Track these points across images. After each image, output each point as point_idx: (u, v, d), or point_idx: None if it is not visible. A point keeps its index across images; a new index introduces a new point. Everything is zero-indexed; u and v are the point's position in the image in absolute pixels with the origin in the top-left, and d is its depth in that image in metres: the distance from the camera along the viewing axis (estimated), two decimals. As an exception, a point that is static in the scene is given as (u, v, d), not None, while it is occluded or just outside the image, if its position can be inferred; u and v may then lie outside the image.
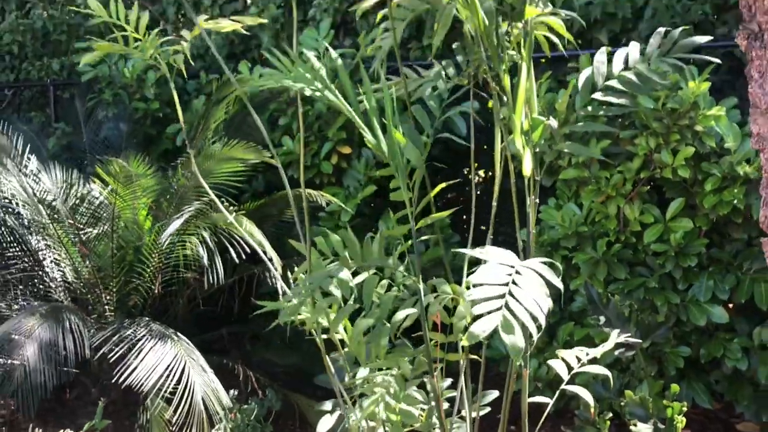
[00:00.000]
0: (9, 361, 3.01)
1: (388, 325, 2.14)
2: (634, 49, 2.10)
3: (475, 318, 1.78)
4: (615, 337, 2.38)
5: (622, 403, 2.59)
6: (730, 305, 3.34)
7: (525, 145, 2.03)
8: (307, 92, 2.02)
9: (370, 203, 4.22)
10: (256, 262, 3.58)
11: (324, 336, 2.50)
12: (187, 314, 3.91)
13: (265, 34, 5.36)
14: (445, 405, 2.81)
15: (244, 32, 5.43)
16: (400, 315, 2.14)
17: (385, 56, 2.28)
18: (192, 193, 3.55)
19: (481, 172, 5.10)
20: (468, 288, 2.10)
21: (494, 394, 2.69)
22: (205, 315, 3.95)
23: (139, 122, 4.92)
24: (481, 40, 2.01)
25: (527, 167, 2.07)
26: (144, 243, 3.61)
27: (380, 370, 2.47)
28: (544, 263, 1.94)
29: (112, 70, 5.17)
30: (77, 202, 3.70)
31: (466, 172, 5.45)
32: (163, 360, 3.00)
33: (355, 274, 2.28)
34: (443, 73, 2.25)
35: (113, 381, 3.06)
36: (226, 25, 2.56)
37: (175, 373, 2.99)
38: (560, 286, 1.90)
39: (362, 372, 2.89)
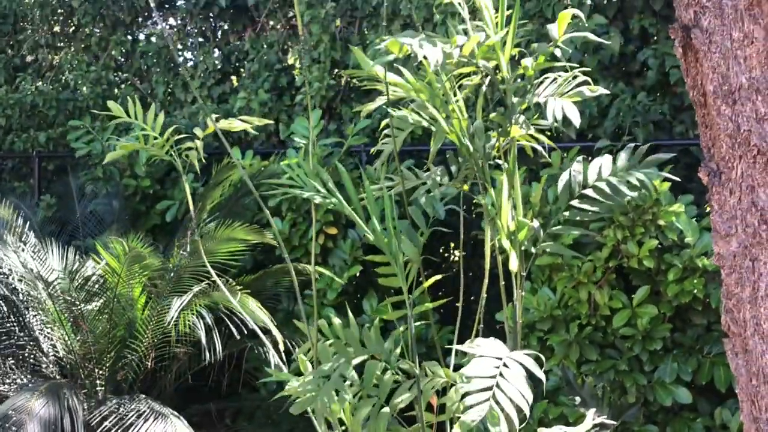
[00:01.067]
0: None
1: (388, 409, 2.32)
2: (606, 161, 2.39)
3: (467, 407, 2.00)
4: (591, 417, 2.59)
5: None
6: (693, 386, 3.58)
7: (512, 245, 2.28)
8: (317, 200, 2.26)
9: (353, 282, 4.42)
10: (249, 337, 3.72)
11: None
12: (174, 389, 4.00)
13: (254, 115, 5.63)
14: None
15: (233, 112, 5.68)
16: (398, 399, 2.32)
17: (385, 159, 2.53)
18: (188, 271, 3.71)
19: (457, 252, 5.36)
20: (457, 371, 2.32)
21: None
22: (193, 389, 4.05)
23: (129, 198, 5.09)
24: (470, 155, 2.28)
25: (513, 264, 2.31)
26: (138, 319, 3.74)
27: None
28: (529, 354, 2.17)
29: (104, 147, 5.36)
30: (73, 277, 3.82)
31: (441, 251, 5.72)
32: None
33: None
34: (438, 178, 2.51)
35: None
36: (238, 126, 2.79)
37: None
38: (542, 377, 2.13)
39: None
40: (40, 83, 6.91)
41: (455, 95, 2.24)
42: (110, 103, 2.75)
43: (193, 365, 3.92)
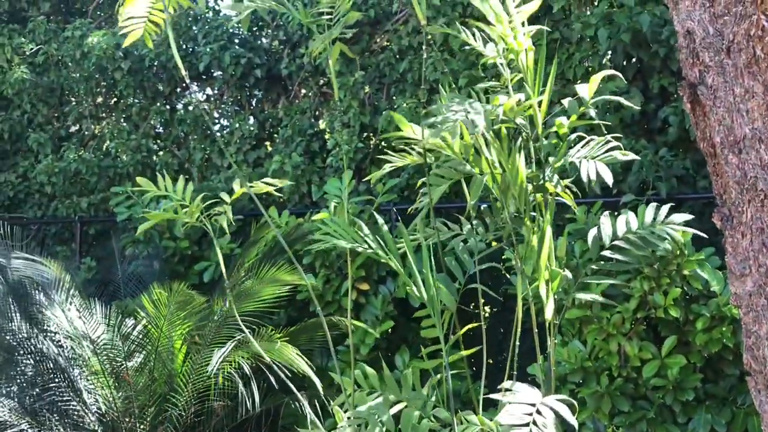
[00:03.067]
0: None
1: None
2: (632, 217, 2.51)
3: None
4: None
5: None
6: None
7: (548, 294, 2.38)
8: (357, 248, 2.40)
9: (385, 337, 4.51)
10: (286, 392, 3.81)
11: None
12: (213, 445, 4.09)
13: (288, 178, 5.85)
14: None
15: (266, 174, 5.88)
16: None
17: (424, 215, 2.67)
18: (228, 321, 3.84)
19: (487, 308, 5.43)
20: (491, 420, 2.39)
21: None
22: (230, 445, 4.13)
23: (168, 260, 5.28)
24: (505, 206, 2.41)
25: (549, 312, 2.41)
26: (178, 372, 3.86)
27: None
28: (561, 400, 2.24)
29: (144, 210, 5.58)
30: (116, 333, 3.97)
31: (472, 306, 5.79)
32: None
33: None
34: (474, 230, 2.64)
35: None
36: (262, 187, 2.94)
37: None
38: (575, 423, 2.20)
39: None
40: (83, 152, 7.25)
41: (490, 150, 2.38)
42: (140, 179, 2.90)
43: (230, 421, 4.01)
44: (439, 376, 2.59)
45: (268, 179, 3.06)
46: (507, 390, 2.27)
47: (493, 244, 2.77)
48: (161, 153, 7.24)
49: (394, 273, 4.46)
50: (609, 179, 2.33)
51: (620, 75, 2.65)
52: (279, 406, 3.98)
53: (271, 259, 4.37)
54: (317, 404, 3.30)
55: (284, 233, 4.65)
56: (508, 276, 4.49)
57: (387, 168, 2.70)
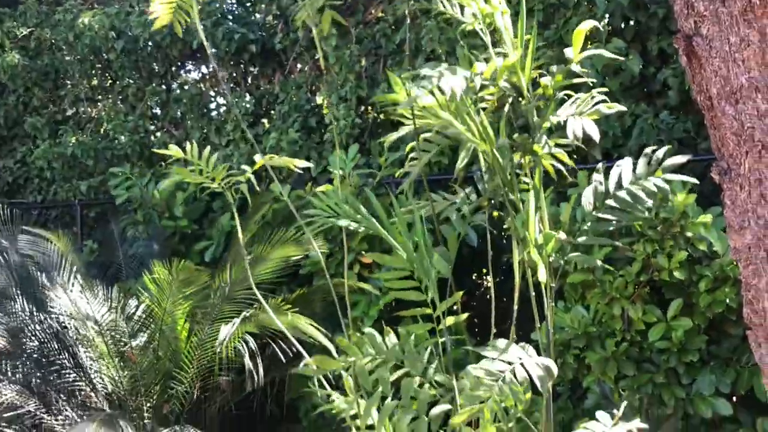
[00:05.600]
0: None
1: (426, 418, 2.39)
2: (626, 166, 2.47)
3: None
4: (626, 425, 2.62)
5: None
6: (732, 397, 3.57)
7: (539, 256, 2.36)
8: (352, 226, 2.39)
9: (388, 310, 4.51)
10: (292, 361, 3.80)
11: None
12: (219, 419, 4.11)
13: (284, 154, 5.82)
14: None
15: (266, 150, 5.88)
16: (436, 410, 2.39)
17: (412, 181, 2.65)
18: (232, 295, 3.83)
19: (488, 277, 5.43)
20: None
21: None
22: (237, 419, 4.15)
23: (168, 240, 5.28)
24: (497, 171, 2.38)
25: (542, 275, 2.39)
26: (182, 350, 3.87)
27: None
28: (544, 364, 2.21)
29: (143, 192, 5.57)
30: (119, 314, 3.98)
31: (474, 277, 5.79)
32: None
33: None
34: (466, 197, 2.62)
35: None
36: (282, 162, 2.93)
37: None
38: (543, 390, 2.18)
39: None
40: (81, 135, 7.22)
41: (479, 115, 2.36)
42: (171, 147, 2.89)
43: (236, 395, 4.02)
44: (435, 340, 2.59)
45: (286, 158, 3.05)
46: (496, 348, 2.26)
47: (494, 214, 2.75)
48: (158, 133, 7.21)
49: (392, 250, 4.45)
50: (595, 135, 2.28)
51: (598, 24, 2.57)
52: (284, 379, 3.99)
53: (271, 232, 4.36)
54: (330, 376, 3.32)
55: (284, 205, 4.63)
56: (510, 244, 4.46)
57: (399, 133, 2.65)
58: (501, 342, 2.32)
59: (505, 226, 4.58)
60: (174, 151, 2.78)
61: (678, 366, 3.51)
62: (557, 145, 2.49)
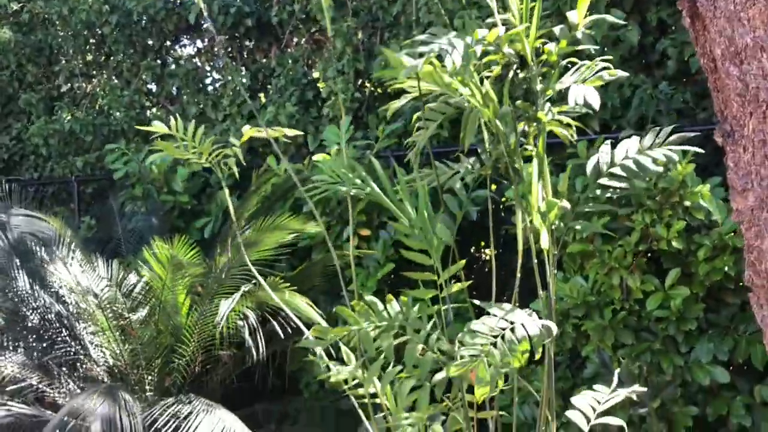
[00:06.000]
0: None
1: (428, 385, 2.41)
2: (633, 142, 2.47)
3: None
4: (625, 390, 2.65)
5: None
6: (730, 365, 3.60)
7: (542, 223, 2.37)
8: (352, 192, 2.38)
9: (387, 282, 4.52)
10: (293, 335, 3.82)
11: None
12: (221, 391, 4.13)
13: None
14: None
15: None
16: (439, 377, 2.41)
17: (419, 151, 2.64)
18: (232, 272, 3.84)
19: (488, 250, 5.44)
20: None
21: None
22: (238, 391, 4.18)
23: (167, 215, 5.27)
24: (500, 139, 2.38)
25: (544, 242, 2.40)
26: (183, 324, 3.88)
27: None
28: (545, 326, 2.23)
29: (141, 167, 5.55)
30: (120, 288, 3.99)
31: (472, 250, 5.80)
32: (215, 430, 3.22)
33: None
34: (469, 167, 2.62)
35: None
36: (276, 132, 2.93)
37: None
38: (537, 350, 2.19)
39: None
40: (76, 111, 7.17)
41: (482, 83, 2.35)
42: (154, 122, 2.87)
43: (238, 367, 4.05)
44: (438, 307, 2.60)
45: (277, 128, 3.03)
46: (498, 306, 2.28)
47: (493, 187, 2.75)
48: (154, 109, 7.16)
49: (395, 218, 4.45)
50: (596, 102, 2.27)
51: None
52: (285, 352, 4.02)
53: (270, 207, 4.36)
54: (331, 348, 3.33)
55: (283, 181, 4.63)
56: (509, 216, 4.48)
57: (401, 101, 2.63)
58: (507, 305, 2.34)
59: (504, 198, 4.58)
60: (158, 126, 2.75)
61: (676, 334, 3.54)
62: (560, 113, 2.48)
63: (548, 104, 2.38)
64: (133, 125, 6.88)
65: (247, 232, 4.06)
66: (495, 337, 2.13)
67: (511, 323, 2.18)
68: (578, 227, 2.41)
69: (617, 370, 3.36)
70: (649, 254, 3.72)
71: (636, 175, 2.34)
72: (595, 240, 3.70)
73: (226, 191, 3.00)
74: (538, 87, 2.34)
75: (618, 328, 3.61)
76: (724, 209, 3.43)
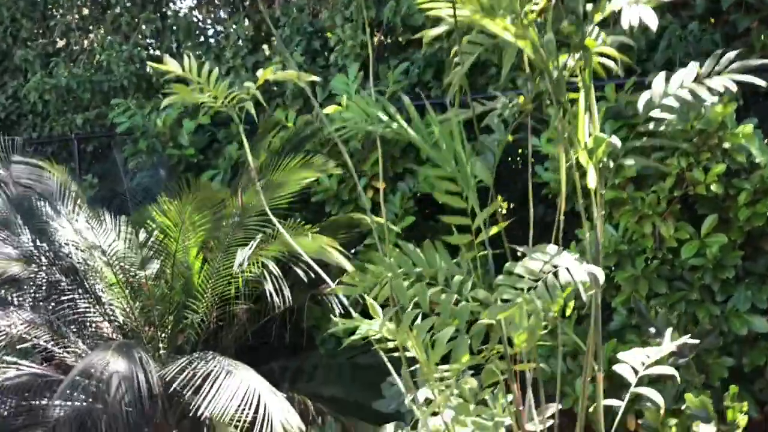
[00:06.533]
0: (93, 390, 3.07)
1: (466, 336, 2.25)
2: (690, 71, 2.27)
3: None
4: (669, 339, 2.51)
5: (683, 408, 2.69)
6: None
7: (589, 161, 2.19)
8: (381, 131, 2.20)
9: (405, 236, 4.36)
10: (310, 288, 3.68)
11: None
12: (236, 348, 4.00)
13: (289, 81, 5.58)
14: (507, 421, 2.91)
15: (269, 81, 5.66)
16: (478, 326, 2.26)
17: (457, 87, 2.44)
18: (247, 221, 3.67)
19: (504, 204, 5.27)
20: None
21: (554, 407, 2.80)
22: (254, 349, 4.05)
23: (173, 169, 5.09)
24: (542, 69, 2.19)
25: (592, 181, 2.23)
26: (196, 280, 3.73)
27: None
28: (592, 273, 2.07)
29: (145, 121, 5.35)
30: (128, 244, 3.83)
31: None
32: (239, 389, 3.08)
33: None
34: (507, 101, 2.43)
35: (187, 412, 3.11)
36: (288, 74, 2.72)
37: (251, 403, 3.07)
38: (584, 296, 2.03)
39: (424, 392, 3.00)
40: (74, 67, 6.93)
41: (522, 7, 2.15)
42: (166, 58, 2.69)
43: (253, 323, 3.91)
44: (473, 253, 2.44)
45: (290, 71, 2.84)
46: (545, 253, 2.12)
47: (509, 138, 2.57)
48: (155, 64, 6.91)
49: (412, 170, 4.27)
50: (654, 23, 2.06)
51: None
52: (301, 308, 3.87)
53: (282, 160, 4.17)
54: (347, 303, 3.17)
55: (292, 133, 4.43)
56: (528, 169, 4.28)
57: (437, 29, 2.42)
58: (551, 247, 2.18)
59: (532, 144, 4.37)
60: (170, 65, 2.55)
61: (712, 283, 3.39)
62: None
63: (597, 28, 2.18)
64: (133, 81, 6.64)
65: (259, 183, 3.88)
66: (535, 281, 1.97)
67: (555, 267, 2.02)
68: (630, 162, 2.22)
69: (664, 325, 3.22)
70: (683, 201, 3.55)
71: (692, 106, 2.15)
72: (627, 186, 3.53)
73: (244, 137, 2.83)
74: (588, 7, 2.13)
75: (652, 278, 3.46)
76: (767, 151, 3.25)
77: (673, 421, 2.65)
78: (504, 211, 5.36)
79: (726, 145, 3.31)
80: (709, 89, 2.19)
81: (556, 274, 1.96)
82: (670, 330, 2.66)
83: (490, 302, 2.38)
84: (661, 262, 3.51)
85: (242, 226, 3.71)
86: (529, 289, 1.93)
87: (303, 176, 3.64)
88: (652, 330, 3.10)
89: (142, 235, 3.97)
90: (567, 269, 1.99)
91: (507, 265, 2.04)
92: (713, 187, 3.30)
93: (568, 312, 2.03)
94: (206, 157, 5.34)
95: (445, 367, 2.37)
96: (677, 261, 3.49)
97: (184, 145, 5.19)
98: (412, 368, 3.17)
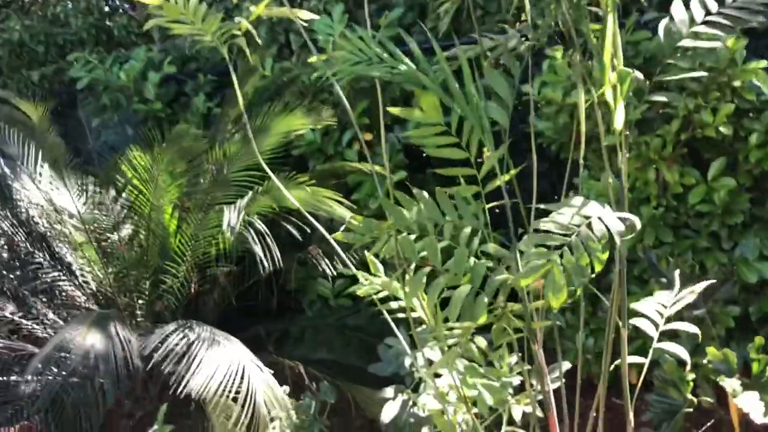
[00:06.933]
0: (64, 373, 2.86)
1: (484, 293, 2.07)
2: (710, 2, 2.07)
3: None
4: (695, 288, 2.36)
5: (704, 361, 2.56)
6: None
7: (616, 97, 1.99)
8: (378, 74, 1.97)
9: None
10: (294, 250, 3.46)
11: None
12: (220, 313, 3.78)
13: (262, 26, 5.25)
14: (516, 380, 2.76)
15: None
16: (498, 279, 2.07)
17: (452, 11, 2.21)
18: (223, 179, 3.41)
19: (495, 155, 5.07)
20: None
21: (564, 365, 2.65)
22: (237, 312, 3.83)
23: (141, 125, 4.78)
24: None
25: (619, 120, 2.03)
26: (172, 242, 3.48)
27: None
28: (622, 219, 1.90)
29: (107, 74, 5.00)
30: (96, 207, 3.55)
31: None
32: (221, 363, 2.88)
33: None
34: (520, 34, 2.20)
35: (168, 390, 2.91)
36: (278, 12, 2.47)
37: (235, 377, 2.87)
38: (623, 248, 1.87)
39: (428, 353, 2.82)
40: (27, 19, 6.48)
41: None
42: None
43: (236, 288, 3.68)
44: (482, 205, 2.24)
45: (283, 8, 2.58)
46: (570, 205, 1.94)
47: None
48: (116, 15, 6.50)
49: (402, 119, 4.02)
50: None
51: None
52: (290, 269, 3.65)
53: (261, 109, 3.90)
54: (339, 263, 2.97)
55: (270, 80, 4.14)
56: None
57: None
58: (576, 199, 1.98)
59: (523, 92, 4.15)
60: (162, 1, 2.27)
61: (720, 230, 3.25)
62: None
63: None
64: (92, 33, 6.23)
65: (238, 135, 3.61)
66: (569, 235, 1.79)
67: (587, 217, 1.84)
68: (663, 98, 2.02)
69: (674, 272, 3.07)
70: (687, 145, 3.38)
71: (730, 30, 1.95)
72: (630, 131, 3.34)
73: (234, 76, 2.55)
74: None
75: (657, 226, 3.30)
76: (779, 88, 3.08)
77: (691, 376, 2.51)
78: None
79: (736, 83, 3.13)
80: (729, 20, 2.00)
81: (589, 226, 1.79)
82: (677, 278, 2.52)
83: (503, 257, 2.21)
84: (666, 209, 3.35)
85: (223, 182, 3.45)
86: (561, 246, 1.76)
87: (288, 126, 3.37)
88: (663, 280, 2.95)
89: (112, 195, 3.69)
90: (600, 219, 1.81)
91: (533, 222, 1.85)
92: (723, 129, 3.13)
93: (599, 267, 1.84)
94: (174, 112, 5.02)
95: (456, 326, 2.18)
96: (683, 208, 3.34)
97: (150, 99, 4.86)
98: (418, 329, 2.98)
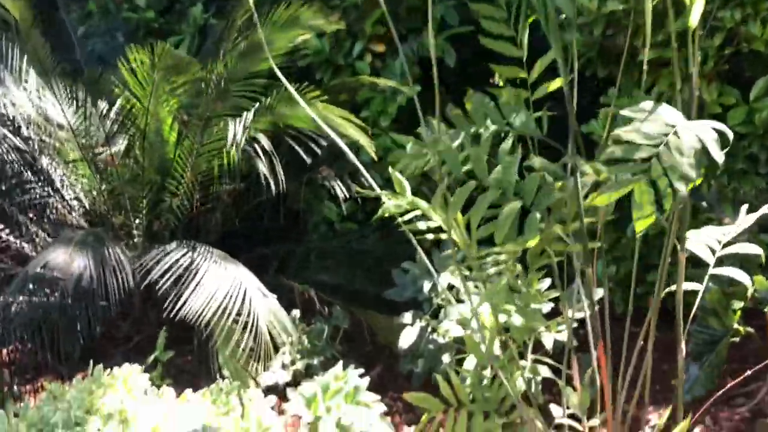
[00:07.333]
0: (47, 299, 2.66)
1: (537, 213, 1.87)
2: None
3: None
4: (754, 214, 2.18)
5: (752, 291, 2.41)
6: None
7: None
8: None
9: (407, 108, 3.89)
10: (301, 172, 3.24)
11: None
12: (223, 234, 3.57)
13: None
14: (547, 307, 2.60)
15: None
16: (551, 198, 1.87)
17: None
18: (226, 90, 3.14)
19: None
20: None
21: (601, 292, 2.49)
22: (240, 233, 3.62)
23: (132, 35, 4.44)
24: None
25: (695, 17, 1.81)
26: (172, 156, 3.23)
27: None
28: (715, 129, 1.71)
29: (93, -23, 4.62)
30: (89, 117, 3.28)
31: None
32: (222, 284, 2.70)
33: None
34: None
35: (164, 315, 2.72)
36: None
37: (236, 301, 2.69)
38: (719, 157, 1.68)
39: (448, 278, 2.64)
40: None
41: None
42: None
43: (240, 208, 3.46)
44: (532, 115, 2.02)
45: None
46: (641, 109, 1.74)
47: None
48: None
49: (418, 29, 3.73)
50: None
51: None
52: (297, 189, 3.43)
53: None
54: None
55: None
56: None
57: None
58: (647, 103, 1.78)
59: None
60: None
61: (760, 152, 3.06)
62: None
63: None
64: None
65: (242, 43, 3.32)
66: (656, 146, 1.59)
67: (673, 126, 1.64)
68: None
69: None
70: (729, 62, 3.16)
71: None
72: (669, 42, 3.10)
73: None
74: None
75: (693, 148, 3.10)
76: (838, -2, 2.84)
77: (739, 304, 2.37)
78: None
79: (789, -7, 2.89)
80: None
81: (678, 134, 1.59)
82: (744, 206, 2.34)
83: (550, 171, 2.00)
84: (702, 130, 3.15)
85: (223, 95, 3.17)
86: (649, 158, 1.56)
87: (294, 33, 3.09)
88: (704, 204, 2.78)
89: (104, 106, 3.41)
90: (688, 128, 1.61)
91: (614, 132, 1.64)
92: (772, 43, 2.90)
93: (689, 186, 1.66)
94: (168, 22, 4.68)
95: (497, 249, 1.98)
96: (720, 129, 3.14)
97: (141, 7, 4.52)
98: (442, 254, 2.78)
